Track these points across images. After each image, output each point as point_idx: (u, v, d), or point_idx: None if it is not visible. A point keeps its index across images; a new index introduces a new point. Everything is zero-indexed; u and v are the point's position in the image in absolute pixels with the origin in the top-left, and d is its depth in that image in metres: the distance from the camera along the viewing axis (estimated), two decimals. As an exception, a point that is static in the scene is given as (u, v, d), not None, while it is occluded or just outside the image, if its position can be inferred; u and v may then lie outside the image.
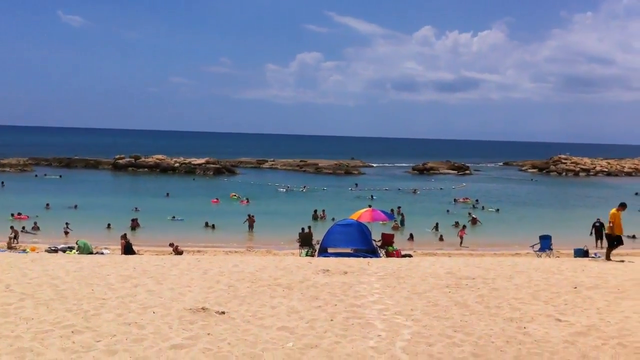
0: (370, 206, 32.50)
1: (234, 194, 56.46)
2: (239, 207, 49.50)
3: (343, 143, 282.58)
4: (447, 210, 48.38)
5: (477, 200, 55.04)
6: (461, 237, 34.40)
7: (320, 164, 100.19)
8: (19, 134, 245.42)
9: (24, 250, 25.73)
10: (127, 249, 25.13)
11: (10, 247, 27.86)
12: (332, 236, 23.81)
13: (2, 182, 61.00)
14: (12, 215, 38.38)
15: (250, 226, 37.77)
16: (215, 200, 52.48)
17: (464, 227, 36.46)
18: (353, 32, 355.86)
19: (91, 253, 24.08)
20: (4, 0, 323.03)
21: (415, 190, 66.26)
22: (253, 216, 38.54)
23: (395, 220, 38.64)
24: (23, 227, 34.29)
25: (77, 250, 24.80)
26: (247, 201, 51.80)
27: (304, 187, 66.83)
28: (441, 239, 35.93)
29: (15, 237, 29.67)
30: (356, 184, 70.91)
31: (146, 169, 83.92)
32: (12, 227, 30.88)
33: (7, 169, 77.68)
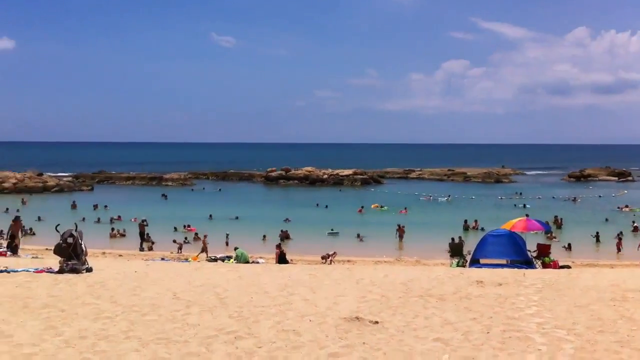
0: (527, 215, 31.39)
1: (376, 204, 56.76)
2: (385, 217, 49.63)
3: (492, 151, 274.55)
4: (606, 219, 45.58)
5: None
6: (618, 247, 32.27)
7: (468, 173, 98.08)
8: (178, 150, 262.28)
9: (187, 260, 27.39)
10: (281, 259, 25.99)
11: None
12: (485, 246, 23.15)
13: (165, 195, 65.65)
14: (184, 227, 41.11)
15: (400, 236, 37.71)
16: (360, 209, 53.10)
17: (620, 235, 34.23)
18: (500, 37, 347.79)
19: (248, 262, 25.21)
20: (164, 25, 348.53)
21: (575, 198, 63.01)
22: (403, 226, 38.44)
23: (550, 230, 36.97)
24: (185, 238, 36.56)
25: (234, 260, 26.04)
26: (405, 210, 51.73)
27: (448, 196, 65.77)
28: (600, 248, 33.96)
29: (180, 248, 31.80)
30: (520, 193, 68.67)
31: (296, 181, 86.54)
32: (174, 241, 33.23)
33: (169, 184, 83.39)
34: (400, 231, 37.94)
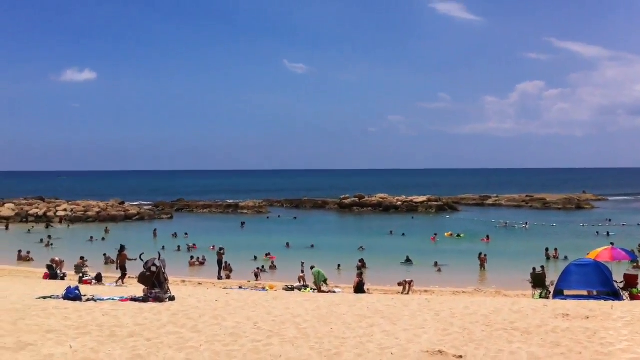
0: (612, 244, 30.20)
1: (450, 232, 55.84)
2: (462, 245, 48.79)
3: (571, 175, 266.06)
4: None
5: None
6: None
7: (548, 199, 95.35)
8: (252, 178, 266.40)
9: (264, 288, 27.65)
10: (359, 288, 25.90)
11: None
12: (568, 277, 22.35)
13: (244, 223, 66.79)
14: (267, 255, 41.65)
15: (482, 265, 36.91)
16: (433, 237, 52.40)
17: None
18: (576, 56, 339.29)
19: (325, 281, 27.18)
20: (238, 53, 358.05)
21: None
22: (485, 255, 37.59)
23: (637, 260, 35.32)
24: (262, 266, 36.93)
25: (313, 277, 27.60)
26: (488, 239, 50.67)
27: (526, 223, 64.06)
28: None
29: (257, 276, 32.21)
30: (609, 220, 66.32)
31: (370, 208, 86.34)
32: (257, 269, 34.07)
33: (245, 211, 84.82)
34: (482, 260, 37.14)
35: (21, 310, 13.72)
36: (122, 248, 29.08)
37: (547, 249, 40.87)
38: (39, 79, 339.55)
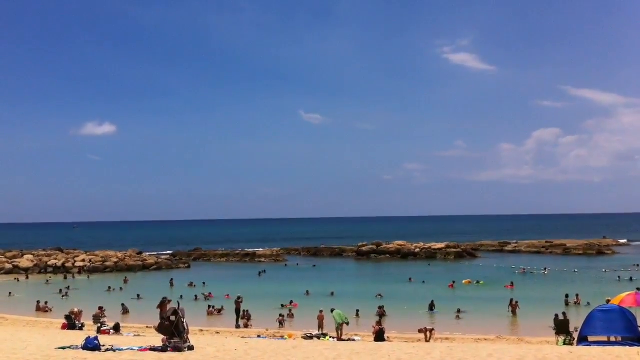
0: (638, 289, 29.70)
1: (468, 279, 55.16)
2: (481, 292, 48.20)
3: (591, 221, 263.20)
4: None
5: None
6: None
7: (568, 245, 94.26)
8: (269, 227, 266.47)
9: (283, 337, 27.36)
10: (379, 336, 25.56)
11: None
12: (592, 323, 21.92)
13: (261, 272, 66.53)
14: (291, 302, 41.33)
15: (513, 312, 36.30)
16: (450, 284, 51.82)
17: None
18: (592, 103, 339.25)
19: (346, 322, 27.82)
20: (256, 108, 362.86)
21: None
22: (517, 302, 36.94)
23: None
24: (286, 313, 36.63)
25: (335, 319, 27.79)
26: (512, 285, 49.91)
27: (545, 269, 63.29)
28: None
29: (281, 324, 32.21)
30: (637, 264, 65.49)
31: (387, 255, 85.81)
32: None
33: (262, 260, 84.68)
34: (513, 307, 36.56)
35: (41, 361, 13.70)
36: (165, 299, 28.87)
37: (566, 295, 40.25)
38: (59, 133, 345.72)
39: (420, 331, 27.31)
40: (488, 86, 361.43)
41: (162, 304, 27.86)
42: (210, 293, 47.43)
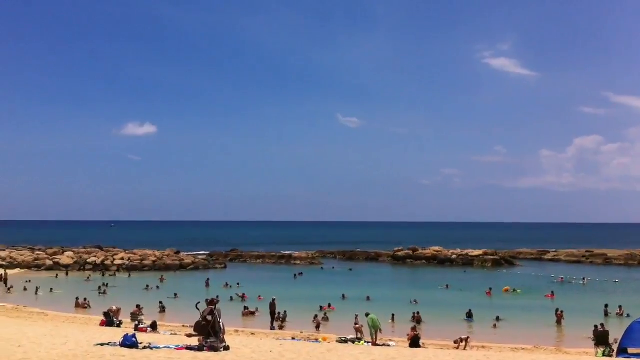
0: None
1: (507, 287, 54.34)
2: (518, 300, 47.50)
3: (633, 230, 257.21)
4: None
5: None
6: None
7: (609, 254, 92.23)
8: (305, 230, 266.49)
9: (317, 340, 27.35)
10: (414, 342, 25.40)
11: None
12: (633, 335, 21.43)
13: (298, 274, 66.74)
14: (329, 305, 41.39)
15: (559, 322, 35.75)
16: (488, 292, 51.18)
17: None
18: (634, 111, 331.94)
19: (379, 327, 27.74)
20: (292, 112, 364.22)
21: None
22: (562, 311, 36.39)
23: None
24: (323, 316, 36.67)
25: (368, 324, 27.88)
26: (552, 295, 49.09)
27: (583, 279, 62.01)
28: None
29: (318, 327, 32.35)
30: None
31: (423, 261, 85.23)
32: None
33: (298, 262, 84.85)
34: (559, 316, 36.02)
35: (79, 356, 13.96)
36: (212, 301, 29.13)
37: (606, 306, 39.41)
38: (100, 133, 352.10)
39: (455, 342, 26.97)
40: (528, 91, 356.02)
41: (212, 301, 28.07)
42: (244, 294, 47.71)
